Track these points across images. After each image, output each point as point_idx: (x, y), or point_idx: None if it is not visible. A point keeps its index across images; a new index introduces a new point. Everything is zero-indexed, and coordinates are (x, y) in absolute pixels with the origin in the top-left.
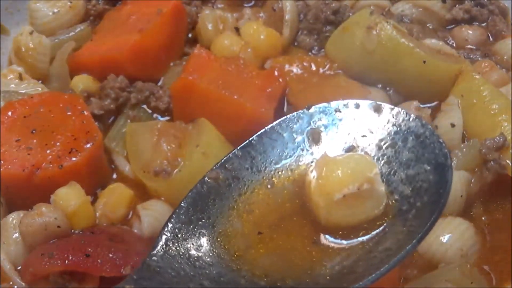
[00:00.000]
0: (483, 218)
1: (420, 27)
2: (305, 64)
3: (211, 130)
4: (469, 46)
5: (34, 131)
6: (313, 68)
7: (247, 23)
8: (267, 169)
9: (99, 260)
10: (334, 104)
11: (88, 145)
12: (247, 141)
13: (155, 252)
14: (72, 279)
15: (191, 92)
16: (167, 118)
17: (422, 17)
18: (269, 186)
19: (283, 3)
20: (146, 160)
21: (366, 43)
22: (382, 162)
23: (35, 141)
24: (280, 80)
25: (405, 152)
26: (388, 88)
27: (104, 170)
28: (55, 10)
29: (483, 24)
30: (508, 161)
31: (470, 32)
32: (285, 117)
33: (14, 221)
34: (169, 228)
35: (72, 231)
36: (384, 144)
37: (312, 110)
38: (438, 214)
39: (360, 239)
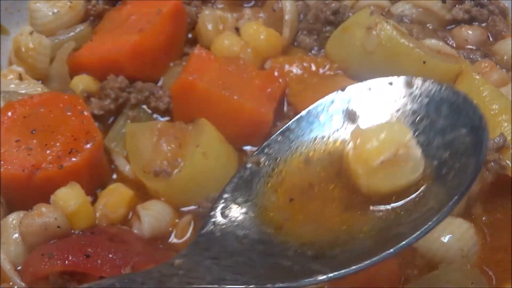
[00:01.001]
0: (483, 218)
1: (420, 27)
2: (305, 64)
3: (211, 130)
4: (469, 46)
5: (34, 131)
6: (313, 68)
7: (247, 23)
8: (305, 146)
9: (99, 261)
10: (367, 84)
11: (88, 145)
12: (285, 126)
13: (204, 231)
14: (72, 279)
15: (191, 92)
16: (167, 118)
17: (422, 17)
18: (305, 159)
19: (283, 3)
20: (146, 160)
21: (366, 43)
22: (419, 132)
23: (35, 141)
24: (280, 80)
25: (440, 120)
26: None
27: (104, 170)
28: (55, 10)
29: (483, 24)
30: (508, 162)
31: (470, 32)
32: (320, 100)
33: (14, 221)
34: (216, 210)
35: (72, 231)
36: (420, 115)
37: (345, 91)
38: (476, 173)
39: (401, 203)
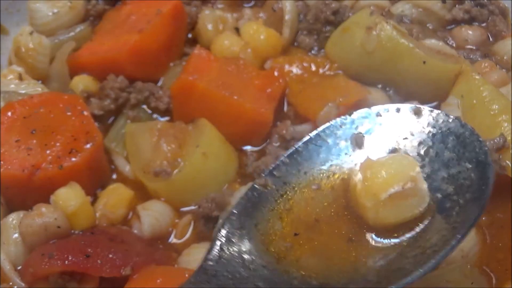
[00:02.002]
0: (483, 218)
1: (420, 27)
2: (305, 64)
3: (211, 130)
4: (469, 46)
5: (34, 132)
6: (313, 68)
7: (247, 23)
8: (312, 172)
9: (99, 261)
10: (375, 109)
11: (88, 146)
12: (293, 148)
13: (211, 256)
14: (72, 280)
15: (191, 93)
16: (167, 118)
17: (422, 17)
18: (313, 188)
19: (283, 3)
20: (146, 161)
21: (366, 44)
22: (424, 162)
23: (35, 141)
24: (280, 80)
25: (446, 152)
26: (388, 89)
27: (104, 171)
28: (55, 10)
29: (483, 24)
30: (508, 162)
31: (470, 32)
32: (329, 123)
33: (14, 222)
34: (223, 233)
35: (72, 231)
36: (425, 145)
37: (354, 115)
38: (482, 210)
39: (405, 237)
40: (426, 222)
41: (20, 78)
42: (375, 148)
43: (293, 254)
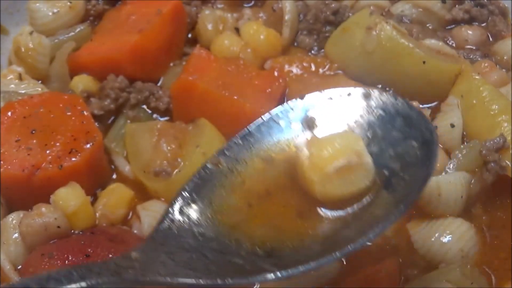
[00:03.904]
0: (483, 218)
1: (420, 27)
2: (305, 64)
3: (211, 130)
4: (469, 46)
5: (34, 132)
6: (313, 68)
7: (247, 23)
8: (264, 149)
9: (99, 261)
10: (327, 93)
11: (88, 146)
12: (245, 129)
13: (160, 227)
14: None
15: (191, 93)
16: (167, 118)
17: (422, 17)
18: (262, 163)
19: (283, 3)
20: (146, 161)
21: (366, 44)
22: (373, 142)
23: (35, 141)
24: (280, 80)
25: (393, 132)
26: (387, 89)
27: (104, 171)
28: (55, 10)
29: (483, 24)
30: (508, 162)
31: (470, 32)
32: (281, 106)
33: (14, 222)
34: (175, 207)
35: (72, 231)
36: (374, 126)
37: (305, 99)
38: (424, 185)
39: (351, 210)
40: (372, 196)
41: (20, 78)
42: (326, 130)
43: (244, 224)
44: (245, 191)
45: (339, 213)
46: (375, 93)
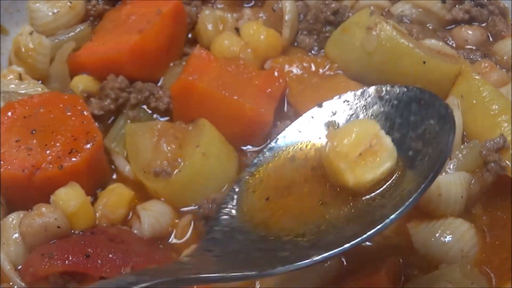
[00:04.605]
0: (483, 218)
1: (420, 27)
2: (305, 64)
3: (211, 130)
4: (469, 46)
5: (34, 132)
6: (313, 68)
7: (247, 23)
8: (286, 151)
9: (99, 261)
10: (343, 97)
11: (88, 146)
12: (270, 143)
13: (208, 237)
14: (72, 280)
15: (191, 93)
16: (167, 118)
17: (422, 17)
18: (289, 159)
19: (283, 4)
20: (146, 161)
21: (366, 44)
22: (394, 130)
23: (35, 141)
24: (280, 80)
25: (411, 117)
26: None
27: (104, 171)
28: (55, 11)
29: (483, 24)
30: (508, 162)
31: (470, 32)
32: (300, 118)
33: (14, 222)
34: (218, 216)
35: (72, 231)
36: (392, 116)
37: (323, 106)
38: (448, 151)
39: (382, 188)
40: (399, 174)
41: (20, 78)
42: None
43: (274, 220)
44: (270, 189)
45: (372, 195)
46: (386, 87)
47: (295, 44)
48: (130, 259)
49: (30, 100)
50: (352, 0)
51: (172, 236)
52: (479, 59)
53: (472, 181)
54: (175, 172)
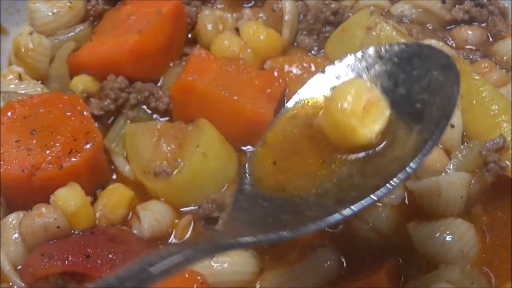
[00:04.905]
0: (483, 218)
1: (419, 27)
2: (304, 64)
3: (211, 130)
4: (468, 47)
5: (33, 132)
6: (313, 68)
7: (246, 23)
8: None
9: (98, 261)
10: (343, 61)
11: (88, 146)
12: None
13: (235, 206)
14: (72, 280)
15: (191, 93)
16: (167, 118)
17: (421, 17)
18: (289, 118)
19: (283, 4)
20: (146, 161)
21: (365, 44)
22: (398, 86)
23: (34, 141)
24: (280, 80)
25: (413, 71)
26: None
27: (103, 171)
28: (55, 11)
29: (483, 25)
30: (508, 162)
31: (470, 32)
32: (304, 86)
33: (13, 222)
34: (240, 187)
35: (72, 231)
36: (394, 73)
37: (326, 71)
38: (455, 102)
39: (381, 147)
40: (413, 128)
41: (20, 78)
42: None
43: (289, 183)
44: (276, 152)
45: (382, 147)
46: (385, 46)
47: (295, 44)
48: (130, 259)
49: (30, 100)
50: (352, 0)
51: (172, 236)
52: (479, 59)
53: (472, 181)
54: (174, 172)
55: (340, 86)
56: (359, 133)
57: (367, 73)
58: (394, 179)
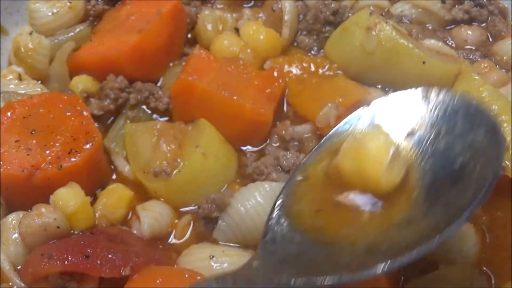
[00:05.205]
0: (483, 218)
1: (419, 27)
2: (304, 64)
3: (210, 130)
4: (468, 47)
5: (33, 132)
6: (313, 68)
7: (246, 23)
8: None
9: (98, 261)
10: (391, 97)
11: (88, 146)
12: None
13: (266, 238)
14: (72, 280)
15: (191, 93)
16: (167, 118)
17: (421, 17)
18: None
19: (283, 4)
20: (145, 161)
21: (365, 44)
22: (438, 139)
23: (34, 141)
24: (280, 80)
25: (457, 126)
26: (387, 89)
27: (103, 171)
28: (55, 11)
29: (483, 25)
30: (507, 163)
31: (470, 32)
32: (348, 117)
33: (13, 222)
34: (273, 218)
35: (72, 231)
36: (438, 123)
37: (371, 105)
38: (499, 167)
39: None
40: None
41: (20, 78)
42: (393, 132)
43: (326, 228)
44: (312, 197)
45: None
46: (433, 92)
47: (295, 44)
48: (129, 259)
49: (30, 100)
50: (352, 0)
51: (172, 236)
52: (478, 59)
53: None
54: (174, 172)
55: (364, 138)
56: (382, 183)
57: (410, 118)
58: (426, 244)
